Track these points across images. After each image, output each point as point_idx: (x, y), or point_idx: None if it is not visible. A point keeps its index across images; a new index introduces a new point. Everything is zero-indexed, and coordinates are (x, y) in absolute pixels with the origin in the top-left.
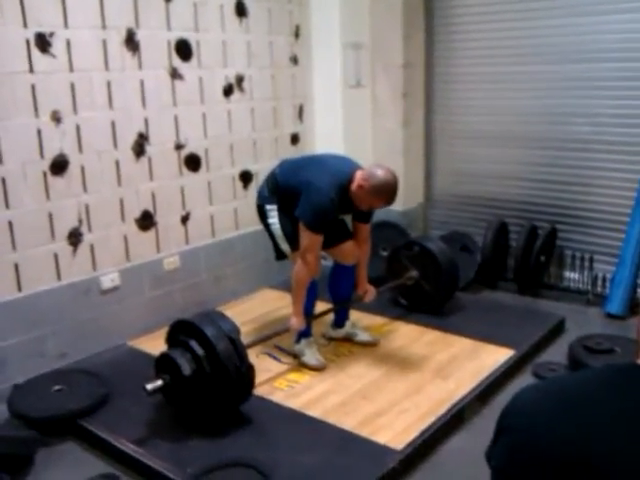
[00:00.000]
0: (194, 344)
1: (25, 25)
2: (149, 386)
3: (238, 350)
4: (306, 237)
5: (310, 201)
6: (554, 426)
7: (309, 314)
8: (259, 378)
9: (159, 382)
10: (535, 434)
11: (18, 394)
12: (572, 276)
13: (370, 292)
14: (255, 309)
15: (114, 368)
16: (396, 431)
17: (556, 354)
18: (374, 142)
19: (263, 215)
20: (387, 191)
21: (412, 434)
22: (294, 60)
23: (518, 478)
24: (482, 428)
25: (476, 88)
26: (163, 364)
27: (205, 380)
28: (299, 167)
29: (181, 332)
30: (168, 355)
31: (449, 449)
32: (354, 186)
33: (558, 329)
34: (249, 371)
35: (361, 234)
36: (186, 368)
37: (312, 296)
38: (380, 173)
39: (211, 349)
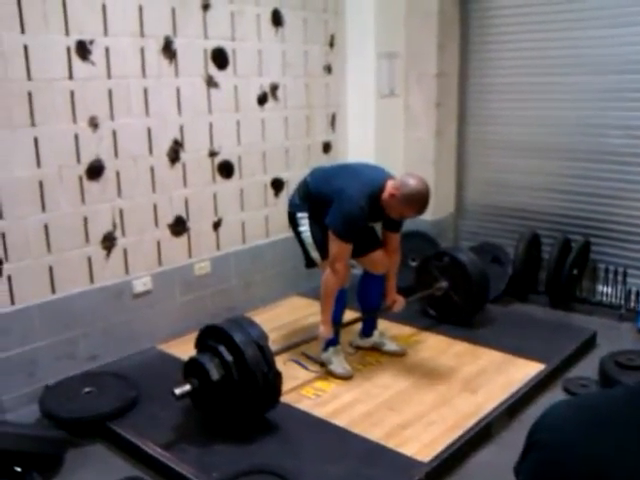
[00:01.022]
0: (223, 349)
1: (67, 33)
2: (177, 390)
3: (266, 357)
4: (335, 246)
5: (341, 209)
6: (584, 444)
7: (337, 322)
8: (286, 386)
9: (187, 387)
10: (564, 451)
11: (49, 395)
12: (605, 290)
13: (399, 302)
14: (283, 316)
15: (143, 371)
16: (423, 443)
17: (587, 369)
18: (406, 152)
19: (294, 223)
20: (419, 200)
21: (439, 447)
22: (328, 69)
23: None
24: (510, 442)
25: (510, 98)
26: (192, 369)
27: (233, 386)
28: (331, 175)
29: (210, 337)
30: (197, 360)
31: (477, 463)
32: (385, 195)
33: (589, 344)
34: (276, 378)
35: (391, 244)
36: (214, 373)
37: (341, 305)
38: (412, 182)
39: (239, 355)
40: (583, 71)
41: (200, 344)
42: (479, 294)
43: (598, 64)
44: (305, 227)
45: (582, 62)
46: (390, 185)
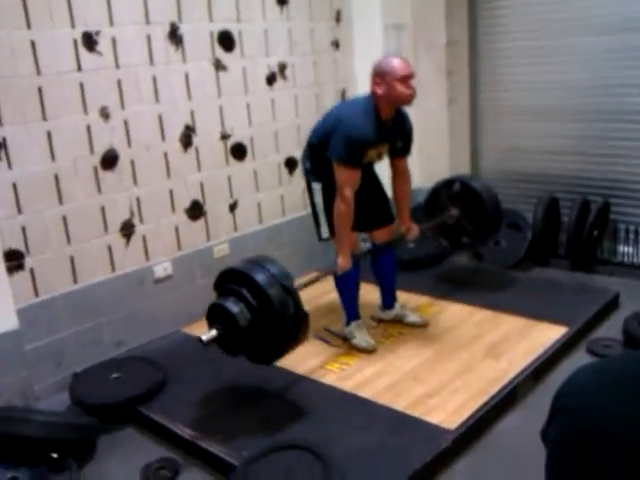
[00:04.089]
0: (246, 293)
1: (73, 25)
2: (204, 337)
3: (292, 298)
4: (341, 173)
5: (341, 133)
6: (612, 407)
7: (354, 297)
8: (310, 361)
9: (214, 332)
10: (592, 415)
11: (78, 382)
12: (626, 250)
13: (413, 229)
14: (303, 293)
15: (169, 355)
16: (448, 411)
17: (611, 330)
18: (418, 122)
19: (310, 192)
20: (397, 62)
21: (465, 414)
22: (336, 45)
23: (574, 459)
24: (536, 407)
25: (522, 63)
26: (216, 314)
27: (260, 330)
28: (324, 118)
29: (231, 280)
30: (221, 305)
31: (503, 428)
32: (374, 92)
33: (612, 305)
34: (304, 319)
35: (399, 167)
36: (241, 319)
37: (356, 277)
38: (380, 58)
39: (265, 298)
40: (594, 31)
41: (220, 288)
42: (493, 220)
43: (611, 23)
44: (319, 199)
45: (592, 22)
46: (371, 85)
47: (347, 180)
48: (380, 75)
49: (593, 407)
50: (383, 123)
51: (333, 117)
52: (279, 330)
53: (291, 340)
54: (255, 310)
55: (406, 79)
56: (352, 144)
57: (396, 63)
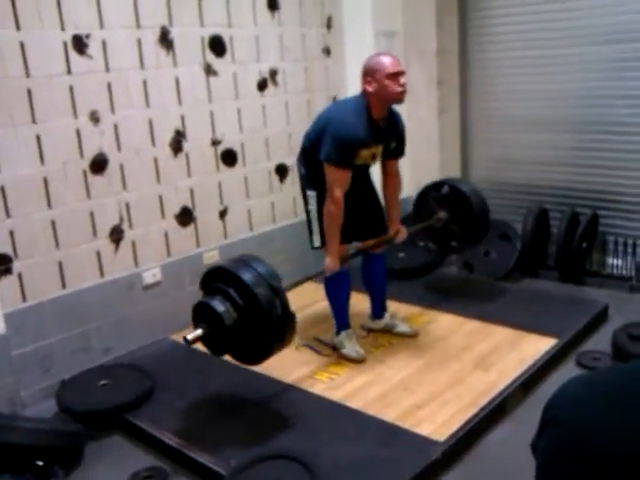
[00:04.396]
0: (233, 293)
1: (62, 28)
2: (189, 336)
3: (280, 298)
4: (331, 172)
5: (331, 134)
6: (602, 418)
7: (344, 306)
8: (299, 370)
9: (199, 331)
10: (582, 427)
11: (65, 389)
12: (615, 262)
13: (402, 232)
14: (293, 301)
15: (157, 362)
16: (438, 423)
17: (600, 342)
18: (408, 131)
19: (305, 199)
20: (385, 58)
21: (454, 426)
22: (327, 51)
23: (564, 471)
24: (525, 419)
25: (512, 73)
26: (201, 313)
27: (246, 329)
28: (315, 122)
29: (218, 280)
30: (207, 304)
31: (492, 440)
32: (365, 90)
33: (601, 317)
34: (291, 320)
35: (390, 169)
36: (227, 318)
37: (346, 286)
38: (369, 57)
39: (252, 298)
40: (586, 42)
41: (207, 286)
42: (481, 224)
43: (601, 34)
44: (313, 207)
45: (584, 33)
46: (362, 84)
47: (336, 180)
48: (370, 73)
49: (584, 419)
50: (375, 123)
51: (324, 119)
52: (265, 330)
53: (277, 340)
54: (241, 309)
55: (396, 76)
56: (342, 144)
57: (386, 60)
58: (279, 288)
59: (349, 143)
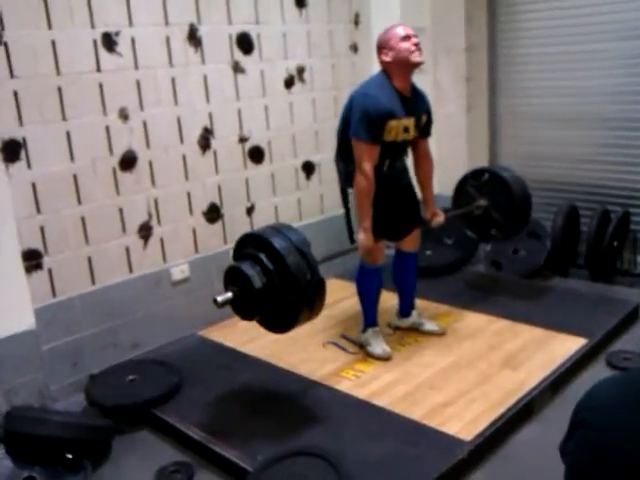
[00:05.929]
0: (264, 257)
1: (92, 26)
2: (219, 298)
3: (309, 263)
4: (360, 149)
5: (358, 110)
6: (632, 422)
7: (373, 304)
8: (326, 368)
9: (229, 294)
10: (612, 430)
11: (94, 384)
12: None
13: (439, 216)
14: None
15: (185, 358)
16: (465, 422)
17: (630, 342)
18: (436, 128)
19: (345, 196)
20: (395, 26)
21: (481, 425)
22: (354, 48)
23: (594, 473)
24: (554, 419)
25: (542, 69)
26: (233, 277)
27: (275, 293)
28: (343, 111)
29: (250, 245)
30: (238, 268)
31: (519, 440)
32: (383, 62)
33: (632, 316)
34: (320, 285)
35: (421, 149)
36: (256, 281)
37: (377, 284)
38: (379, 34)
39: (281, 262)
40: (616, 37)
41: (239, 253)
42: (522, 212)
43: (631, 29)
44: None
45: (614, 28)
46: (380, 57)
47: (365, 155)
48: (384, 44)
49: (614, 421)
50: (400, 94)
51: (349, 102)
52: (294, 294)
53: (306, 305)
54: (271, 273)
55: (409, 38)
56: (367, 116)
57: (396, 27)
58: (309, 254)
59: (374, 114)
